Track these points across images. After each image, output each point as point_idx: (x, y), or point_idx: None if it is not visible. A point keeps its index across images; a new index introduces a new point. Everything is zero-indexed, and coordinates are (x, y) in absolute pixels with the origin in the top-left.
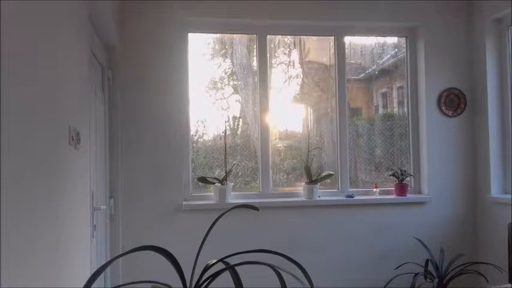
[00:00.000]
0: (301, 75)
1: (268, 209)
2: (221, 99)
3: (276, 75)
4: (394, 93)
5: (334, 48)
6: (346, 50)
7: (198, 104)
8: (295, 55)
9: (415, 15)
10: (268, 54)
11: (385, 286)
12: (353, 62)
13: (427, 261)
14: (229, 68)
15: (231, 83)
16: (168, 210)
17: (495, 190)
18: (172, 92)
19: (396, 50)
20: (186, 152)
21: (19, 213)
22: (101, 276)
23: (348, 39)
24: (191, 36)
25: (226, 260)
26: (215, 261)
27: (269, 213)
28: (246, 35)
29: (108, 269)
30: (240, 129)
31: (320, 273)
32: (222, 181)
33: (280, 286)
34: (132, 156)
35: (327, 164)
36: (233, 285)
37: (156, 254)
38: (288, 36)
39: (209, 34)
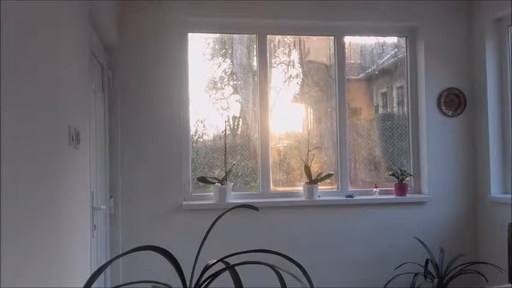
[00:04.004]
0: (301, 75)
1: (268, 209)
2: (221, 99)
3: (276, 75)
4: (394, 93)
5: (334, 48)
6: (346, 50)
7: (198, 104)
8: (295, 55)
9: (415, 15)
10: (268, 54)
11: (385, 286)
12: (353, 61)
13: (427, 261)
14: (229, 68)
15: (231, 82)
16: (168, 210)
17: (495, 190)
18: (172, 92)
19: (396, 50)
20: (186, 152)
21: (19, 213)
22: (101, 276)
23: (347, 39)
24: (191, 36)
25: (226, 260)
26: (215, 261)
27: (269, 213)
28: (246, 35)
29: (108, 269)
30: (240, 129)
31: (320, 273)
32: (222, 181)
33: (280, 286)
34: (132, 156)
35: (327, 164)
36: (233, 285)
37: (156, 254)
38: (288, 36)
39: (209, 34)
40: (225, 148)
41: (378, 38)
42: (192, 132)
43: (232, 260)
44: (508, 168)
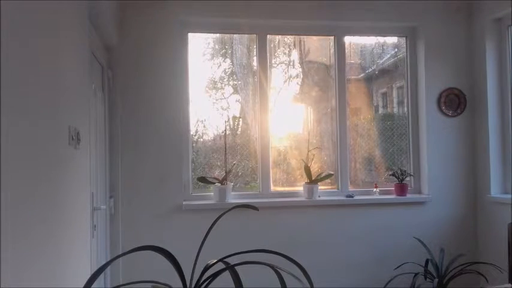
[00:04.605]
0: (301, 75)
1: (268, 209)
2: (221, 99)
3: (276, 75)
4: (394, 93)
5: (334, 48)
6: (346, 50)
7: (198, 104)
8: (295, 55)
9: (415, 15)
10: (268, 54)
11: (385, 286)
12: (353, 61)
13: (427, 261)
14: (229, 68)
15: (231, 82)
16: (168, 210)
17: (495, 190)
18: (172, 92)
19: (396, 50)
20: (186, 152)
21: (19, 213)
22: (101, 276)
23: (348, 39)
24: (191, 36)
25: (226, 260)
26: (215, 261)
27: (269, 213)
28: (246, 35)
29: (108, 269)
30: (240, 129)
31: (320, 273)
32: (222, 181)
33: (280, 286)
34: (132, 156)
35: (327, 164)
36: (233, 285)
37: (156, 254)
38: (288, 36)
39: (209, 34)
40: (225, 148)
41: (378, 38)
42: (192, 132)
43: (232, 260)
44: (508, 168)
